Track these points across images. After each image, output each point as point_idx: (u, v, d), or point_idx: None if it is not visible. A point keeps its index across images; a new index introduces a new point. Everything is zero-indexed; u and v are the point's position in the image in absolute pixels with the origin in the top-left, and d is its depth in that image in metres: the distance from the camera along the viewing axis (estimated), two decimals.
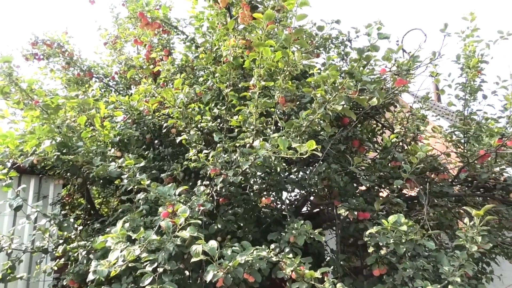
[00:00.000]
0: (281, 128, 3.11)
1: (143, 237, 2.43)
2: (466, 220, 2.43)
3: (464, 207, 2.61)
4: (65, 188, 5.53)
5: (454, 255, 2.51)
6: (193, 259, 2.23)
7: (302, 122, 2.82)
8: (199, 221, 2.53)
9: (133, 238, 2.45)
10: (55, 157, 3.55)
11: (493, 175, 3.87)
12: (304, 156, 2.52)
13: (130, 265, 2.32)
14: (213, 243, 2.27)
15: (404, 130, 4.08)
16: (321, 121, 2.76)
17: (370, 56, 2.46)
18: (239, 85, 3.82)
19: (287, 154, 2.63)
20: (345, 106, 2.61)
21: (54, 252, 3.60)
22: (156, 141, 4.82)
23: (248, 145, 3.35)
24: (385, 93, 2.96)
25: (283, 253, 3.02)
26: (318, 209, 5.37)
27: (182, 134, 3.72)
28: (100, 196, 6.36)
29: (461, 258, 2.44)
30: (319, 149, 2.52)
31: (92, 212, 5.20)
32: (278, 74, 3.01)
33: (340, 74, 3.51)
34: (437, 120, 6.06)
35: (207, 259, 2.44)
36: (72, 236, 3.78)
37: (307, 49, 4.03)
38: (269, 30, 3.02)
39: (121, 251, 2.29)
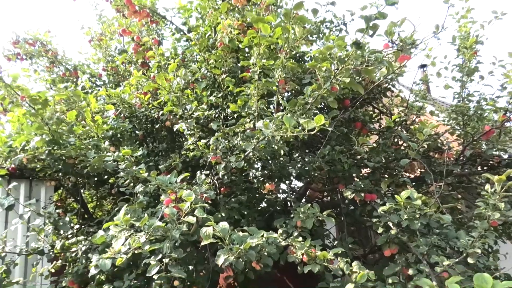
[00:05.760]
0: (283, 109, 3.00)
1: (146, 224, 2.29)
2: (487, 187, 2.33)
3: (485, 174, 2.51)
4: (56, 192, 5.32)
5: (474, 224, 2.40)
6: (203, 242, 2.08)
7: (307, 98, 2.71)
8: (206, 205, 2.40)
9: (136, 226, 2.31)
10: (46, 152, 3.37)
11: (497, 152, 3.82)
12: (312, 133, 2.40)
13: (136, 252, 2.16)
14: (224, 224, 2.13)
15: (406, 109, 4.00)
16: (328, 97, 2.64)
17: (377, 25, 2.36)
18: (237, 66, 3.69)
19: (293, 132, 2.52)
20: (353, 78, 2.50)
21: (51, 252, 3.41)
22: (148, 138, 4.67)
23: (248, 129, 3.23)
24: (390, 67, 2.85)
25: (291, 237, 2.91)
26: (316, 198, 5.27)
27: (177, 125, 3.58)
28: (93, 200, 6.15)
29: (481, 228, 2.34)
30: (327, 125, 2.41)
31: (86, 216, 5.01)
32: (277, 53, 2.91)
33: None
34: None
35: (214, 246, 2.31)
36: (69, 236, 3.60)
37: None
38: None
39: (125, 239, 2.14)
